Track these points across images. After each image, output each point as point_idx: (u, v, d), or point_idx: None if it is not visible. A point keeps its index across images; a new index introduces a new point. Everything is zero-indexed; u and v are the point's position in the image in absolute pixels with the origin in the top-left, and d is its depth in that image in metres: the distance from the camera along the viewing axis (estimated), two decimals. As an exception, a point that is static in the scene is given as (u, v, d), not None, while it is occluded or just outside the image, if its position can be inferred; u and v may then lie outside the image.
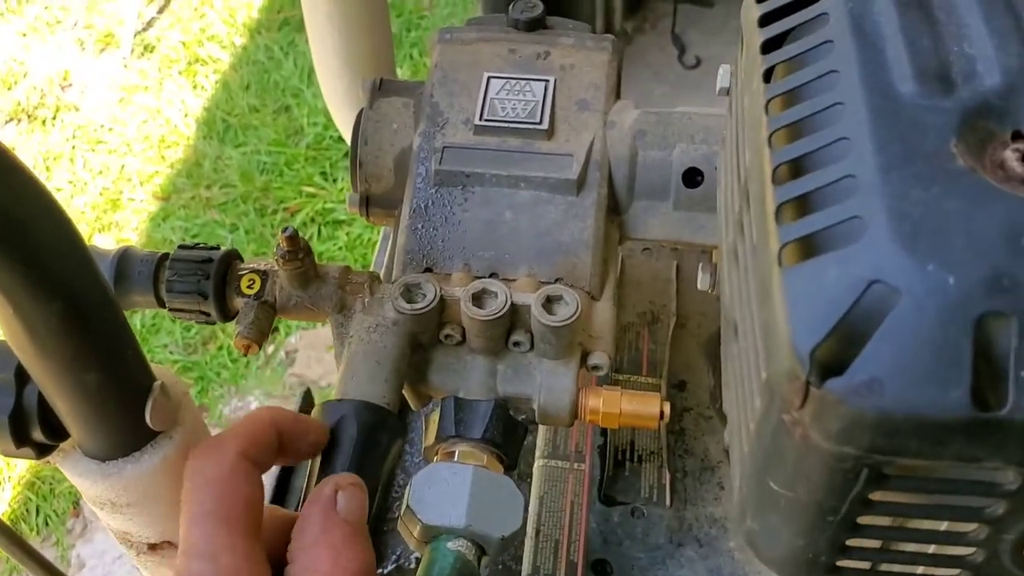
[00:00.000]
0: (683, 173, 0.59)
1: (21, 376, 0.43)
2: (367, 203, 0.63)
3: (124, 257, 0.56)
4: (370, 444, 0.49)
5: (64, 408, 0.42)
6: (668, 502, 0.65)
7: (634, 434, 0.68)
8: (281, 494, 0.88)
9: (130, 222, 1.94)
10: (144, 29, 2.28)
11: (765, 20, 0.32)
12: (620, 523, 0.64)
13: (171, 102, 2.13)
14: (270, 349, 1.80)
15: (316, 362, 1.76)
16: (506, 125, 0.59)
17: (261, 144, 2.01)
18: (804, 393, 0.24)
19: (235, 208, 1.93)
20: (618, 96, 0.62)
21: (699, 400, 0.70)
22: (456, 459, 0.51)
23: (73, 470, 0.45)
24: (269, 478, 0.93)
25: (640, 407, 0.54)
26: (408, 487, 0.49)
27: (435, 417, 0.53)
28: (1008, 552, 0.28)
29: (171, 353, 1.75)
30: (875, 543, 0.29)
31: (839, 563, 0.30)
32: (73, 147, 2.08)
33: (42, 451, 0.45)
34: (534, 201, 0.58)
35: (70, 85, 2.21)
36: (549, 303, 0.53)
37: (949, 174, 0.25)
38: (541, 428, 0.69)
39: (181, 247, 0.56)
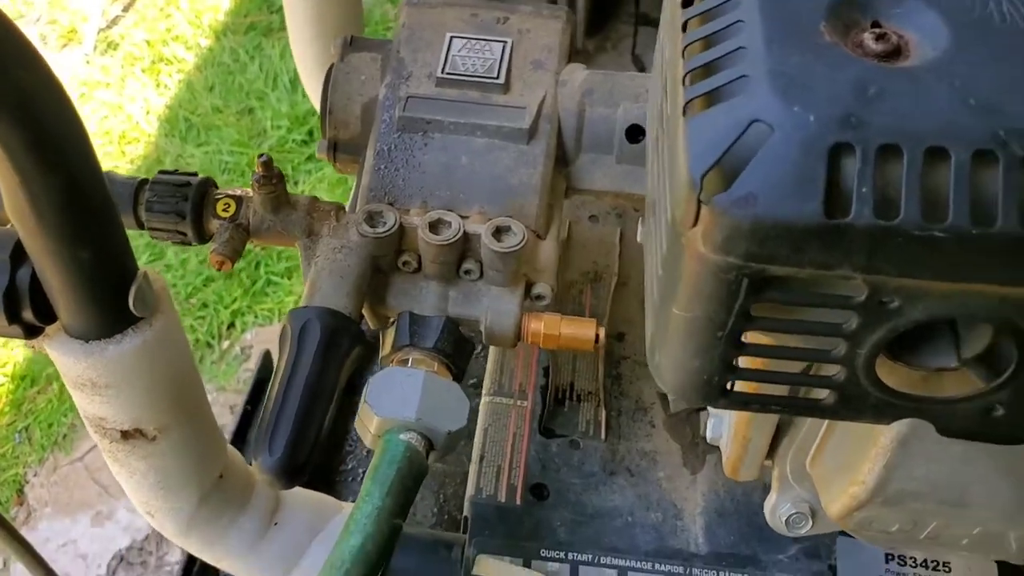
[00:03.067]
0: (626, 129, 0.65)
1: (16, 258, 0.47)
2: (335, 149, 0.68)
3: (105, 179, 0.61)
4: (332, 345, 0.54)
5: (57, 284, 0.46)
6: (603, 436, 0.71)
7: (574, 375, 0.74)
8: (240, 441, 0.92)
9: (90, 213, 1.95)
10: (108, 27, 2.30)
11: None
12: (558, 453, 0.70)
13: (133, 99, 2.15)
14: (225, 344, 1.81)
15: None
16: (466, 79, 0.65)
17: (223, 144, 2.04)
18: (696, 210, 0.30)
19: (196, 204, 1.95)
20: (569, 60, 0.69)
21: (636, 350, 0.76)
22: (410, 365, 0.56)
23: (59, 350, 0.49)
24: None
25: (578, 330, 0.60)
26: (365, 386, 0.54)
27: (392, 330, 0.58)
28: (863, 368, 0.34)
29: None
30: (759, 363, 0.35)
31: (729, 385, 0.36)
32: (35, 139, 2.09)
33: (29, 332, 0.49)
34: (488, 148, 0.64)
35: (33, 79, 2.22)
36: (498, 232, 0.59)
37: (818, 46, 0.32)
38: (488, 369, 0.74)
39: (161, 172, 0.61)
